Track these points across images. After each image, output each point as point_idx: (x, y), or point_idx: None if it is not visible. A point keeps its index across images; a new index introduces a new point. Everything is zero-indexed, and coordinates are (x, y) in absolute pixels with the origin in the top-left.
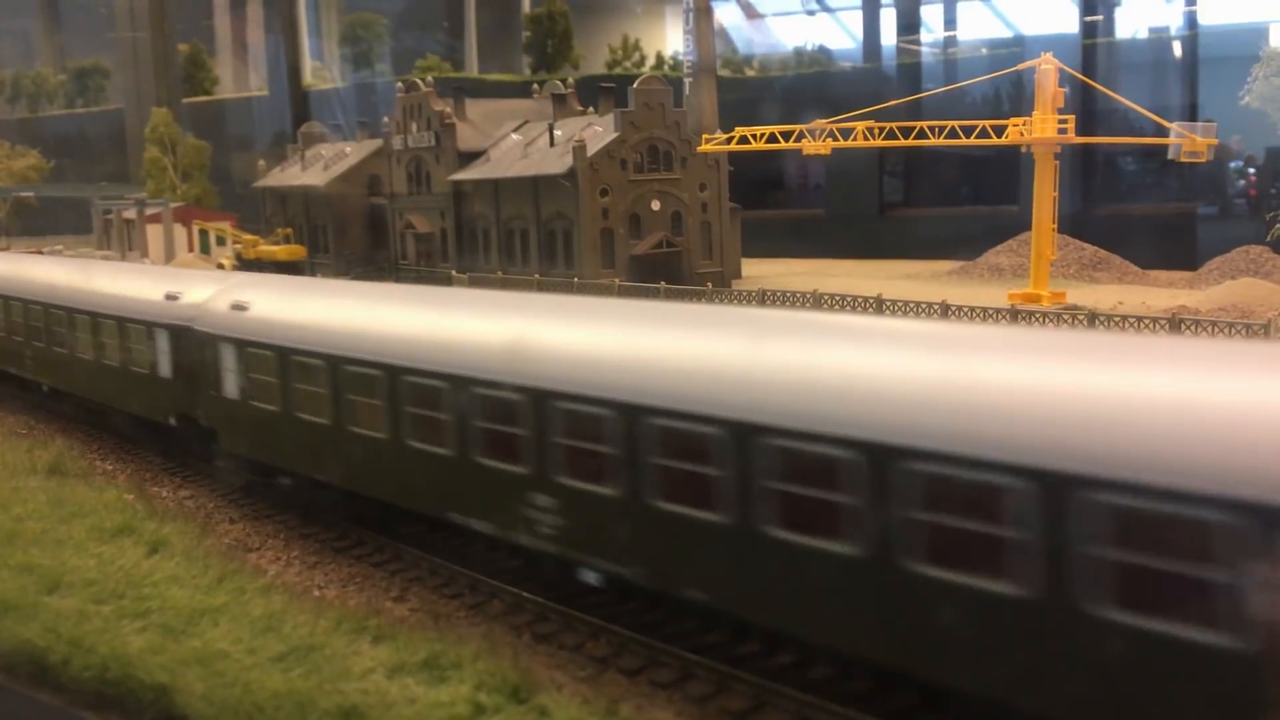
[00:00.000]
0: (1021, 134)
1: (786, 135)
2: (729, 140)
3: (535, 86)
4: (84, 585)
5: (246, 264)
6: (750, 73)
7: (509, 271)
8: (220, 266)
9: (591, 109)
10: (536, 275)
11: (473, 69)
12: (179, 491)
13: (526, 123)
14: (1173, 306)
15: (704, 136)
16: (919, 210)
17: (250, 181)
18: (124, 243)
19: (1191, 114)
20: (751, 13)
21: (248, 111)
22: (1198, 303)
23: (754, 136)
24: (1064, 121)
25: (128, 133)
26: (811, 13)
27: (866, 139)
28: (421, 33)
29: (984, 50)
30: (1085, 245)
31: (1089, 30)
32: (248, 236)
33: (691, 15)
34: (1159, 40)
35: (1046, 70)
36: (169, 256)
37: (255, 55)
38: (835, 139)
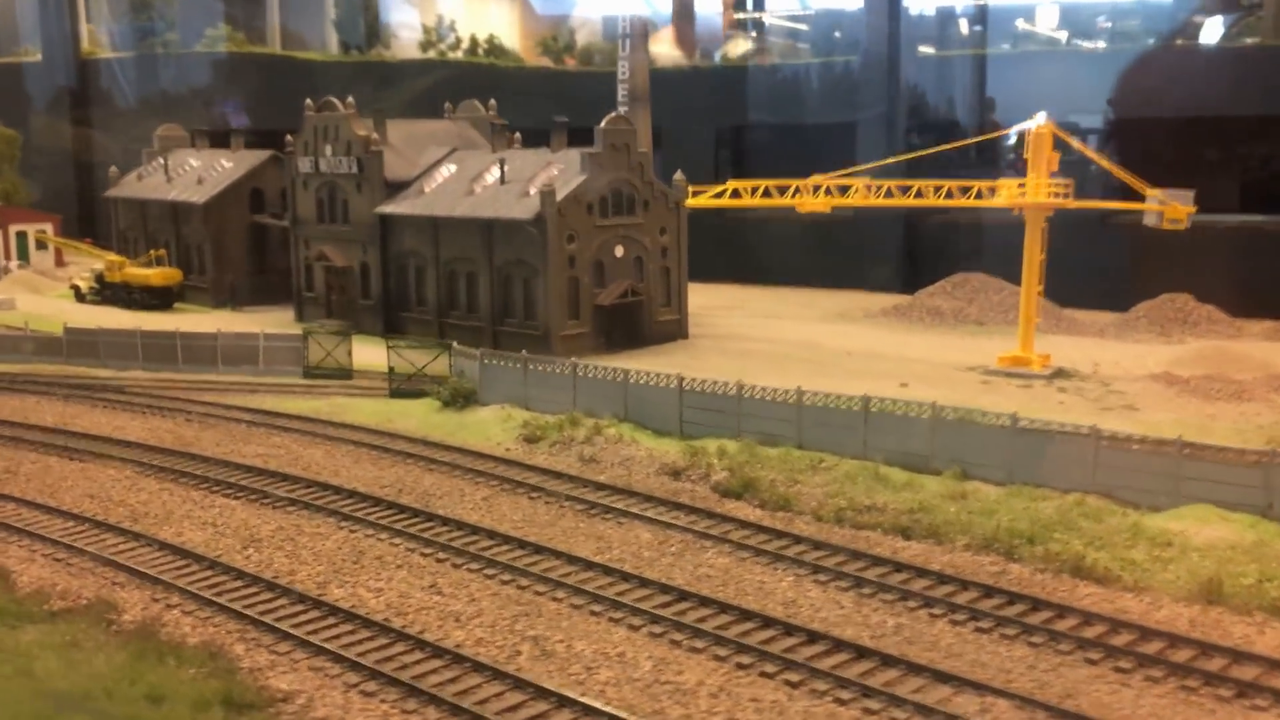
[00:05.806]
0: (1018, 197)
1: (782, 190)
2: (721, 194)
3: (448, 106)
4: None
5: (111, 287)
6: (570, 62)
7: (451, 316)
8: (75, 288)
9: (518, 135)
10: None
11: (275, 44)
12: None
13: (455, 150)
14: (1158, 373)
15: (690, 190)
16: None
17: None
18: None
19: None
20: None
21: (17, 79)
22: (1175, 364)
23: (747, 191)
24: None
25: None
26: None
27: (865, 197)
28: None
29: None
30: None
31: None
32: (113, 256)
33: (628, 42)
34: None
35: (1042, 134)
36: None
37: (24, 11)
38: (831, 194)
